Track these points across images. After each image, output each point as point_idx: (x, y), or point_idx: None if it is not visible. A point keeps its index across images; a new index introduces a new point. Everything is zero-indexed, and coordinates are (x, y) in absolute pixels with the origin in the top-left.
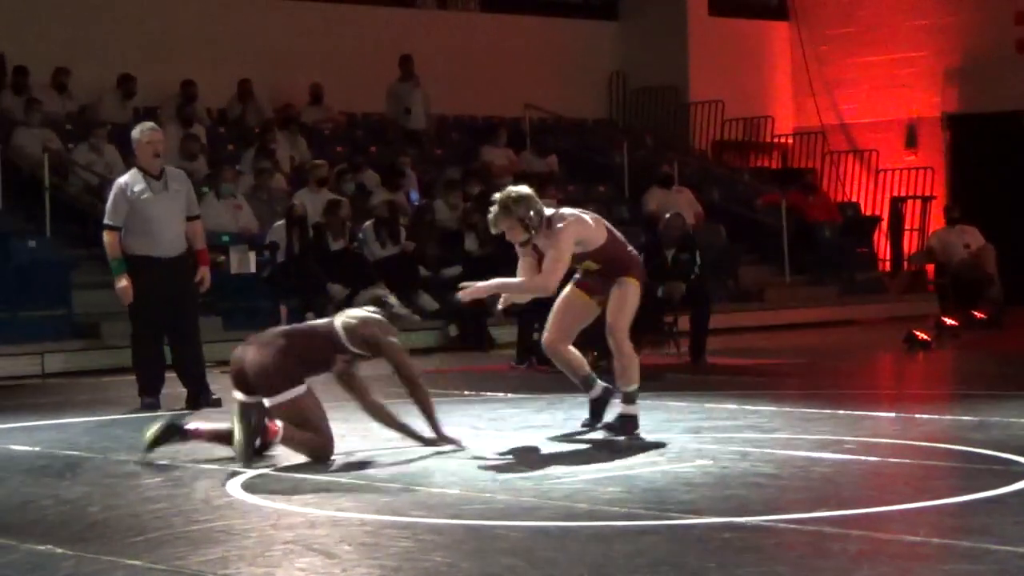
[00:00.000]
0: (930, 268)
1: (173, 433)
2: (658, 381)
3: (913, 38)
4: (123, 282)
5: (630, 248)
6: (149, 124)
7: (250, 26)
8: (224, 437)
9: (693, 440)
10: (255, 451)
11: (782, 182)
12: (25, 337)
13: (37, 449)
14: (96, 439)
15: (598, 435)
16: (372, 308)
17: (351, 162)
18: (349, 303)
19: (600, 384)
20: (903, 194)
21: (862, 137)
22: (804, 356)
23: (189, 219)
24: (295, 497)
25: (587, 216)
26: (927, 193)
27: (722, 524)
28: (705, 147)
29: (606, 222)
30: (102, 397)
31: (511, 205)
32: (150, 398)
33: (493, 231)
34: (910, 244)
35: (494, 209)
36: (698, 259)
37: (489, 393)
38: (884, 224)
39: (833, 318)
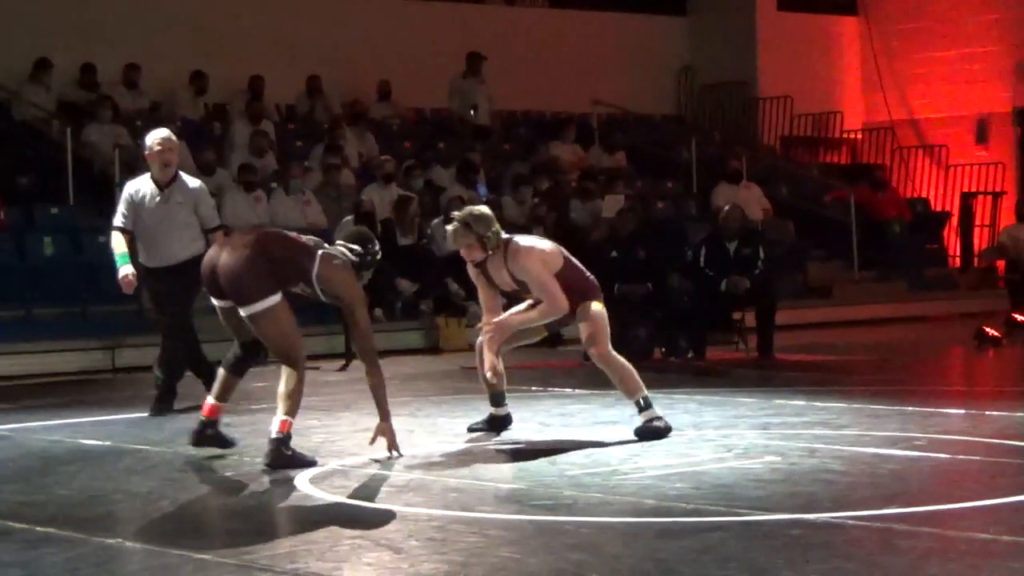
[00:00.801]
0: (1001, 264)
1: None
2: (726, 377)
3: (983, 32)
4: (124, 272)
5: (588, 274)
6: (163, 132)
7: (319, 23)
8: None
9: (761, 436)
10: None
11: (851, 178)
12: (96, 332)
13: (108, 443)
14: (166, 434)
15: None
16: (355, 248)
17: (419, 158)
18: (418, 299)
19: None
20: (973, 190)
21: (932, 132)
22: (873, 353)
23: (211, 231)
24: (363, 492)
25: (544, 242)
26: (997, 189)
27: (790, 521)
28: (774, 143)
29: (563, 249)
30: None
31: (471, 223)
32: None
33: (450, 246)
34: (980, 240)
35: (453, 225)
36: (762, 254)
37: (557, 389)
38: (954, 220)
39: (902, 314)
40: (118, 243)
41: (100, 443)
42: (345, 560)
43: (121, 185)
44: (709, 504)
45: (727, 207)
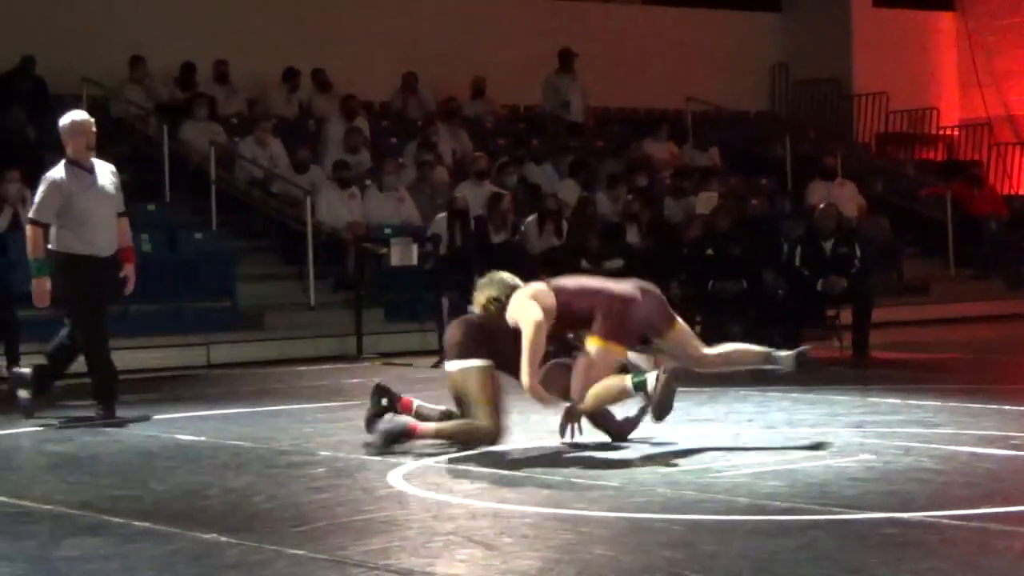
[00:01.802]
0: None
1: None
2: (821, 375)
3: None
4: (46, 283)
5: (600, 292)
6: (80, 113)
7: (413, 20)
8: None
9: (856, 434)
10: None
11: (947, 174)
12: (191, 328)
13: (203, 439)
14: (260, 429)
15: (761, 430)
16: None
17: (512, 155)
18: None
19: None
20: None
21: None
22: (969, 351)
23: (120, 215)
24: (456, 488)
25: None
26: None
27: (885, 520)
28: (869, 139)
29: (564, 280)
30: (266, 387)
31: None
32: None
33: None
34: None
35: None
36: (858, 252)
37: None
38: None
39: (999, 312)
40: (37, 245)
41: (195, 438)
42: (438, 556)
43: (218, 183)
44: (803, 502)
45: (822, 205)
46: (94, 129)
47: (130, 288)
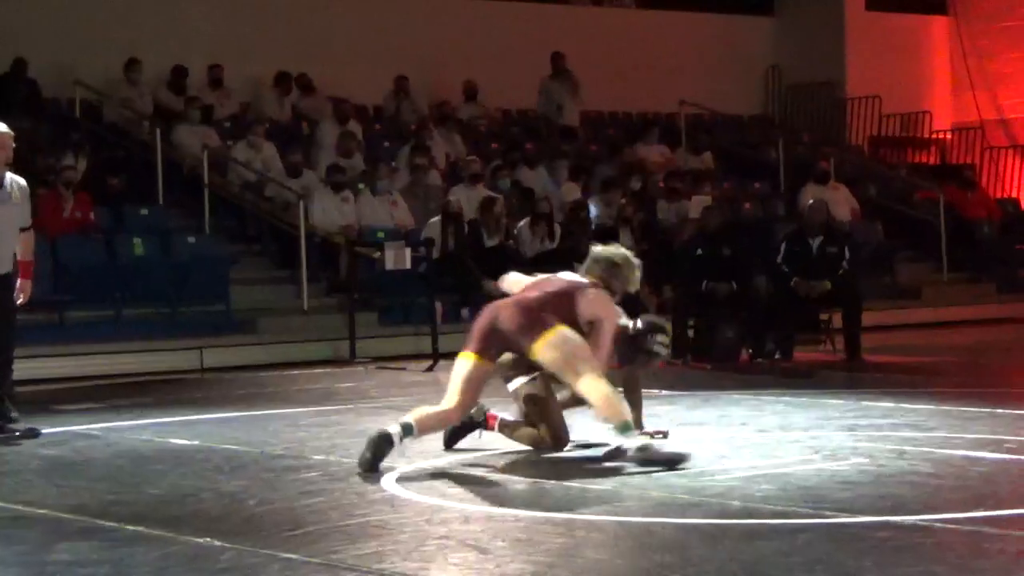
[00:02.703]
0: None
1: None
2: (813, 378)
3: None
4: None
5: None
6: (2, 125)
7: (405, 24)
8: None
9: (849, 438)
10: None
11: (940, 178)
12: (184, 332)
13: (196, 443)
14: (254, 433)
15: (754, 433)
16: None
17: (506, 158)
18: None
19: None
20: None
21: (1022, 132)
22: (962, 354)
23: (22, 230)
24: (449, 492)
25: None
26: None
27: (878, 523)
28: (862, 143)
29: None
30: (260, 391)
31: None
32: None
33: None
34: None
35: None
36: (847, 254)
37: (644, 390)
38: None
39: (992, 316)
40: None
41: (189, 442)
42: (431, 560)
43: (211, 187)
44: (796, 506)
45: (811, 201)
46: (12, 142)
47: (22, 301)
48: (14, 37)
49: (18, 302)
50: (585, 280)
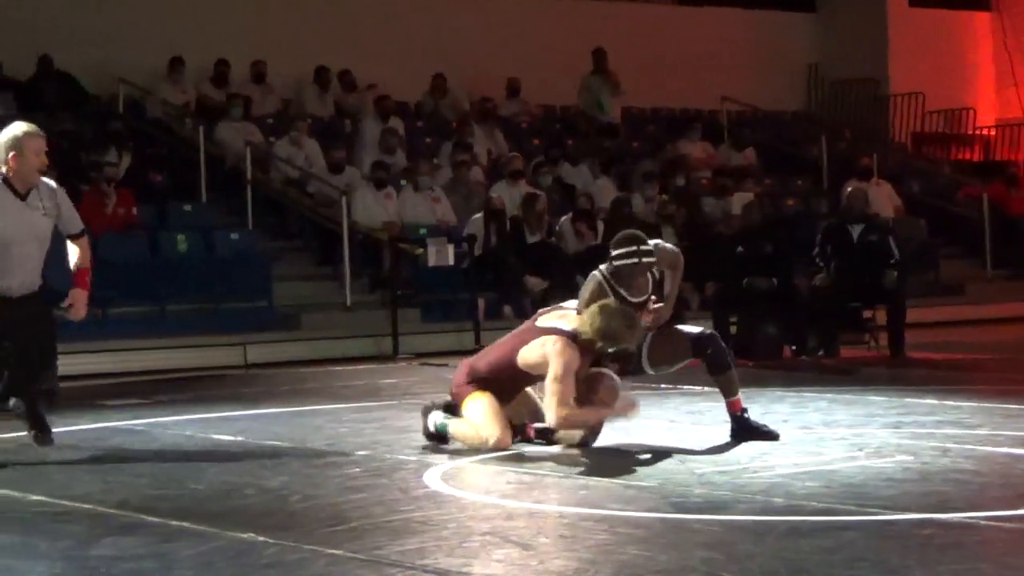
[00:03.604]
0: None
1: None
2: (857, 375)
3: None
4: None
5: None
6: (31, 128)
7: (447, 20)
8: None
9: (893, 435)
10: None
11: (984, 175)
12: (228, 328)
13: (239, 439)
14: (297, 429)
15: (797, 430)
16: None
17: (548, 155)
18: (546, 297)
19: None
20: None
21: None
22: (1006, 351)
23: (73, 237)
24: (492, 488)
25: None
26: None
27: (922, 520)
28: (905, 139)
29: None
30: (302, 387)
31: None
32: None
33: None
34: None
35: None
36: (894, 248)
37: (686, 387)
38: None
39: None
40: None
41: (232, 438)
42: (475, 556)
43: (254, 183)
44: (840, 503)
45: (850, 188)
46: (45, 148)
47: (77, 314)
48: (56, 34)
49: (70, 315)
50: (560, 325)
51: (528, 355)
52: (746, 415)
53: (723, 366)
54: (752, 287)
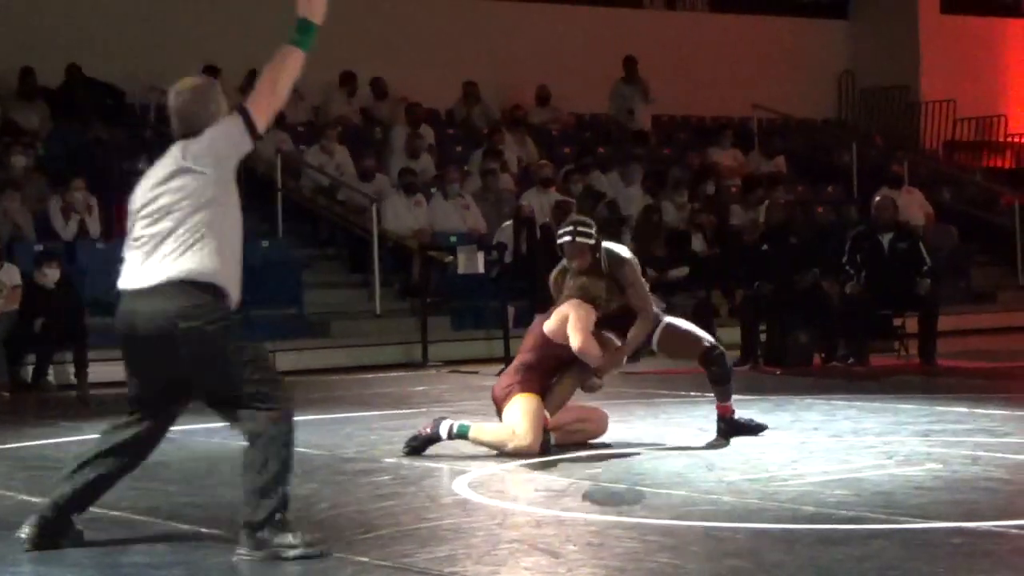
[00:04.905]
0: None
1: None
2: (887, 383)
3: None
4: None
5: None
6: None
7: (478, 28)
8: None
9: (922, 443)
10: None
11: (1016, 182)
12: (258, 335)
13: None
14: (326, 437)
15: (827, 438)
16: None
17: (578, 163)
18: None
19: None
20: None
21: None
22: None
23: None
24: (521, 496)
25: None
26: None
27: (952, 529)
28: (936, 147)
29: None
30: (333, 395)
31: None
32: None
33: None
34: None
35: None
36: (926, 255)
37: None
38: None
39: None
40: None
41: None
42: (503, 564)
43: (284, 191)
44: (869, 511)
45: (878, 198)
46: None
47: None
48: (90, 43)
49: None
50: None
51: (551, 324)
52: (734, 417)
53: (724, 379)
54: (789, 285)
